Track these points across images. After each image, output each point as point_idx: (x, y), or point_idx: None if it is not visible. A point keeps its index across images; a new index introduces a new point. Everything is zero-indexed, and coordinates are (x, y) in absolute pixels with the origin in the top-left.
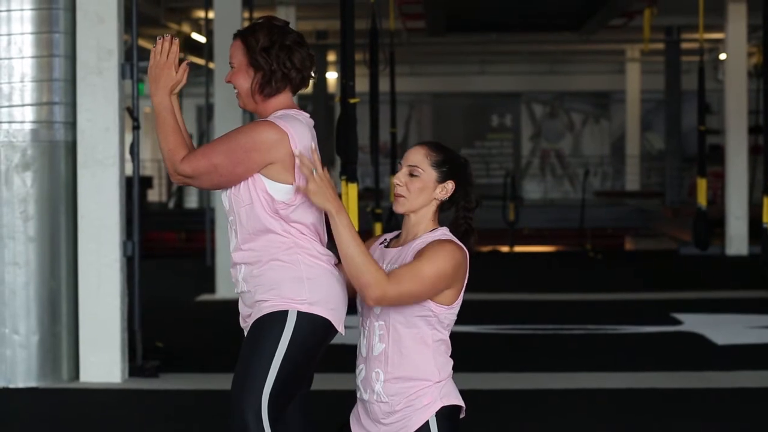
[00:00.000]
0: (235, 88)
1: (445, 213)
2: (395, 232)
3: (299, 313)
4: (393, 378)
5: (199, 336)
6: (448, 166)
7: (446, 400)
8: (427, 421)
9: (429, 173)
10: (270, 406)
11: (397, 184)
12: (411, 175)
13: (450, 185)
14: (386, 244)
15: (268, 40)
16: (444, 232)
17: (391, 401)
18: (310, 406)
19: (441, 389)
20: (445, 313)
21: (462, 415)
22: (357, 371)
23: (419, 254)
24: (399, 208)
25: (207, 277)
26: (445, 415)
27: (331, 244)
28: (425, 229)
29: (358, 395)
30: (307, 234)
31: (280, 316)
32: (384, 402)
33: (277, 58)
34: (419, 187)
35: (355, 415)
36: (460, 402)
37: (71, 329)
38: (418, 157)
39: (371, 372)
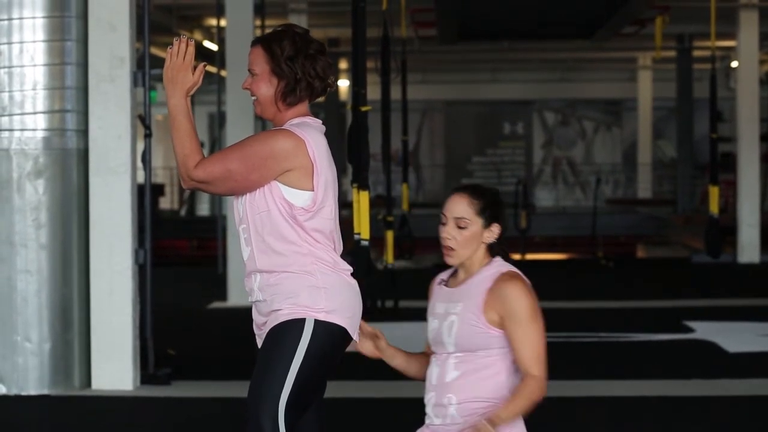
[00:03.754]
0: (252, 95)
1: None
2: (449, 271)
3: (316, 321)
4: (467, 401)
5: (211, 344)
6: (490, 209)
7: (515, 428)
8: None
9: (475, 222)
10: (287, 413)
11: (447, 239)
12: (459, 227)
13: (495, 228)
14: (445, 283)
15: (293, 49)
16: (501, 263)
17: (465, 421)
18: (323, 413)
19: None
20: None
21: None
22: (426, 399)
23: (510, 318)
24: (452, 261)
25: (218, 285)
26: None
27: (345, 252)
28: (480, 264)
29: (427, 421)
30: (323, 242)
31: (298, 324)
32: (458, 423)
33: (302, 67)
34: (468, 236)
35: None
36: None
37: (83, 337)
38: (461, 207)
39: (443, 397)
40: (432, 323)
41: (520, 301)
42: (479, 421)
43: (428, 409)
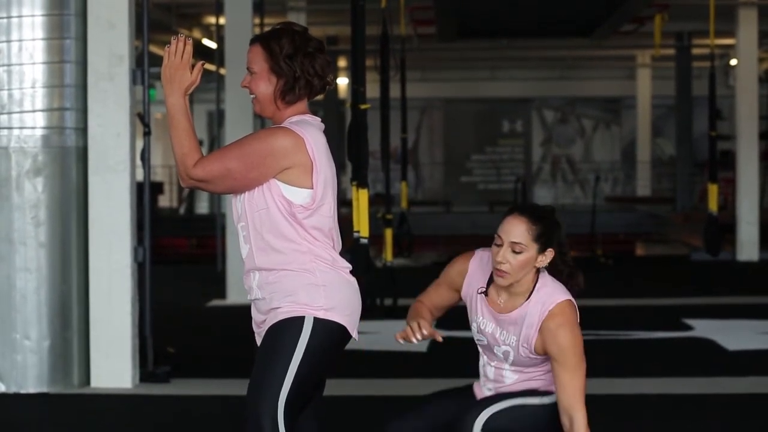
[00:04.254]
0: (251, 93)
1: None
2: (484, 274)
3: (315, 319)
4: (522, 390)
5: (210, 341)
6: (547, 235)
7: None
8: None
9: (531, 247)
10: (286, 411)
11: (501, 263)
12: (514, 251)
13: (549, 254)
14: (485, 292)
15: (291, 47)
16: (548, 290)
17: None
18: (322, 411)
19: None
20: None
21: None
22: (482, 383)
23: (558, 361)
24: (503, 283)
25: (217, 283)
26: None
27: (344, 250)
28: (528, 288)
29: (483, 387)
30: (321, 240)
31: (297, 322)
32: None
33: (301, 65)
34: (523, 262)
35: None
36: None
37: (82, 335)
38: (519, 231)
39: (500, 391)
40: (478, 335)
41: (570, 345)
42: None
43: (485, 385)
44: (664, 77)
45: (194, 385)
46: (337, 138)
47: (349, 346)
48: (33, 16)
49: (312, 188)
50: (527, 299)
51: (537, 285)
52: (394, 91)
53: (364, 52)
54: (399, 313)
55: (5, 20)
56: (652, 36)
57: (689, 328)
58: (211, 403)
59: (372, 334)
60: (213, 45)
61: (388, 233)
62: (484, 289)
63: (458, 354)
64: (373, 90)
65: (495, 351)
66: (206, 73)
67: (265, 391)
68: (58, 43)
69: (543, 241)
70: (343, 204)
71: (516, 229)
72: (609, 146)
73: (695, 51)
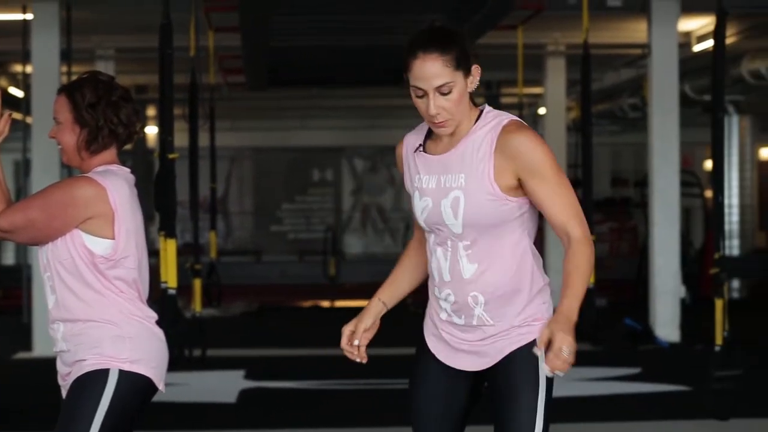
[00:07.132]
0: (58, 143)
1: None
2: (418, 132)
3: (120, 372)
4: (496, 298)
5: (16, 395)
6: (464, 54)
7: (550, 311)
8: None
9: (458, 77)
10: None
11: (436, 114)
12: (443, 94)
13: (476, 70)
14: (422, 149)
15: (94, 96)
16: (495, 113)
17: (498, 325)
18: None
19: (543, 297)
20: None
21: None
22: (439, 294)
23: (531, 175)
24: (448, 131)
25: (24, 335)
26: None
27: (151, 301)
28: (470, 118)
29: (443, 317)
30: (126, 291)
31: (101, 375)
32: (488, 325)
33: (104, 114)
34: (457, 99)
35: (436, 338)
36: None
37: None
38: (437, 71)
39: (467, 297)
40: (422, 202)
41: (537, 152)
42: (553, 332)
43: (447, 306)
44: None
45: None
46: (145, 188)
47: (157, 398)
48: None
49: (113, 239)
50: (472, 128)
51: (480, 111)
52: (204, 140)
53: (172, 101)
54: (208, 363)
55: None
56: None
57: None
58: None
59: (180, 386)
60: (20, 94)
61: (197, 283)
62: (421, 146)
63: (268, 404)
64: (182, 139)
65: (443, 210)
66: (13, 122)
67: None
68: None
69: (465, 62)
70: (151, 254)
71: (433, 70)
72: None
73: (504, 100)
